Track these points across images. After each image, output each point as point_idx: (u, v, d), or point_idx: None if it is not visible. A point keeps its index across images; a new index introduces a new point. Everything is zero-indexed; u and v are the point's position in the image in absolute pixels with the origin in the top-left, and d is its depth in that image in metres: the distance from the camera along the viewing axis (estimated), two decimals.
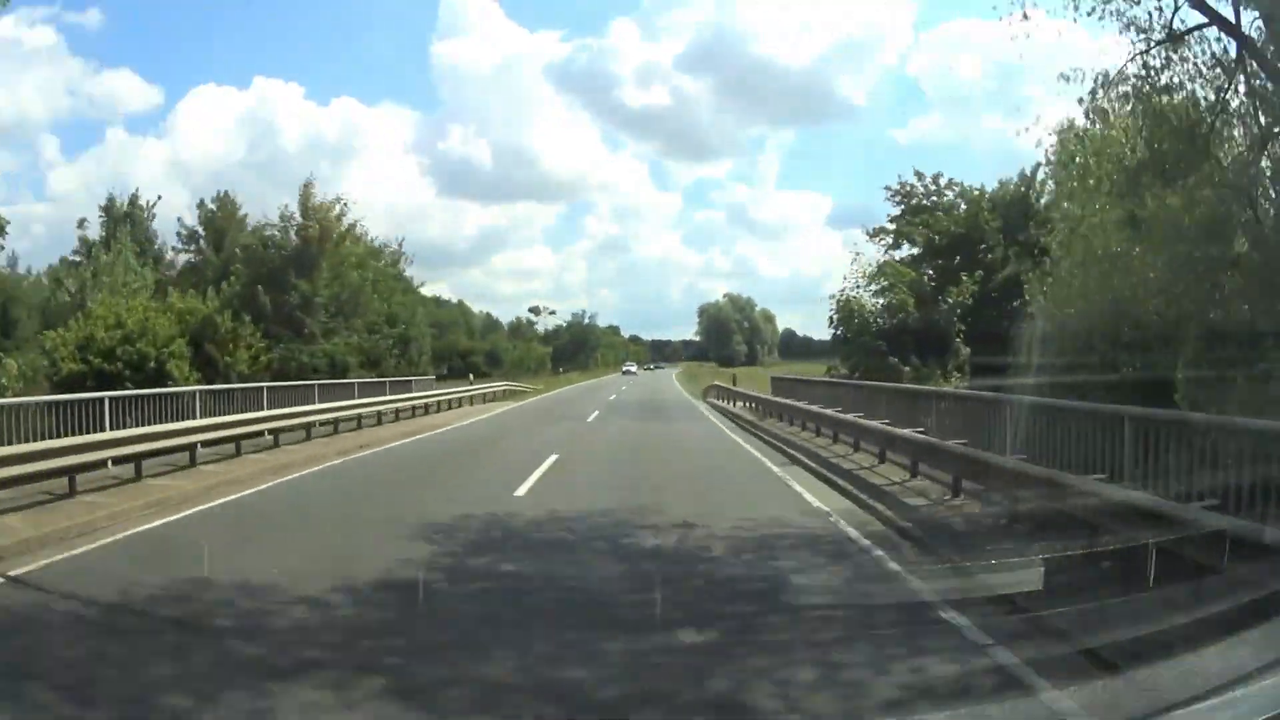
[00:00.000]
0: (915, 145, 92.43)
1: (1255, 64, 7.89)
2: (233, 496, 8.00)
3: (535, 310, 73.34)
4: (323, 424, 13.67)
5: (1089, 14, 7.75)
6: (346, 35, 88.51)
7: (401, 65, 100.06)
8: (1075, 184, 10.72)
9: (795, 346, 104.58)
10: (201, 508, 7.22)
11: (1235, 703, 2.24)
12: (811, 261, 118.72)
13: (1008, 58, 78.76)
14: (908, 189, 27.38)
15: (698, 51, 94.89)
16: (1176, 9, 7.82)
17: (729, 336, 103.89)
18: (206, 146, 73.50)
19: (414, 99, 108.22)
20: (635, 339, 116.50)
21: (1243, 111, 8.10)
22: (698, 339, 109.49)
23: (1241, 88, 8.06)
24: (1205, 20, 7.92)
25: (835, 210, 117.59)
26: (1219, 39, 7.95)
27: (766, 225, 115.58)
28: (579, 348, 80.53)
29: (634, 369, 71.15)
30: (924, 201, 27.16)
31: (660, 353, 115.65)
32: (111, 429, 9.16)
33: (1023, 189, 25.96)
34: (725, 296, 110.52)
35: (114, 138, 79.39)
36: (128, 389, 11.36)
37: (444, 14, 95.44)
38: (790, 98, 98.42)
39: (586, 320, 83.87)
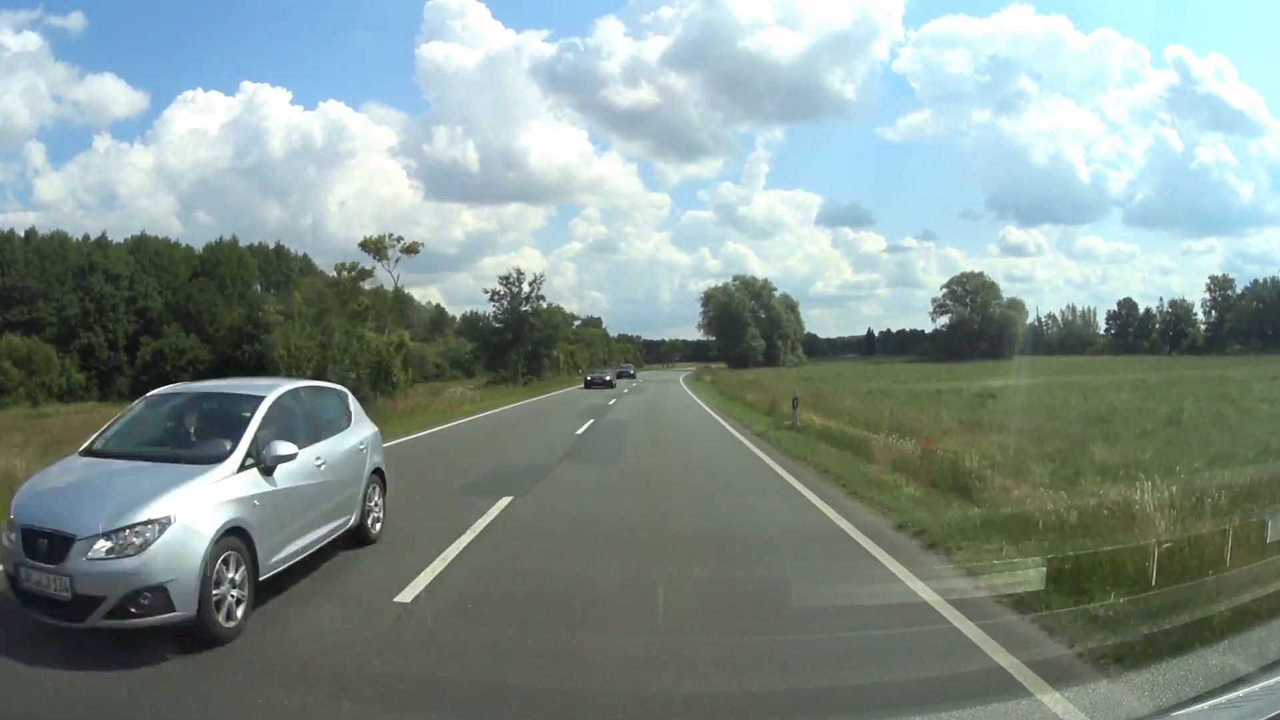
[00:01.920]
0: (905, 142, 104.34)
1: None
2: None
3: (376, 248, 30.29)
4: None
5: None
6: (333, 38, 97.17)
7: (387, 67, 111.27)
8: None
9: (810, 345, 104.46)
10: None
11: (1236, 703, 2.34)
12: (802, 260, 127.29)
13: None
14: None
15: (685, 48, 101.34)
16: None
17: (741, 330, 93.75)
18: (194, 152, 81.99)
19: (401, 101, 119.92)
20: (625, 338, 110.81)
21: None
22: (702, 335, 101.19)
23: None
24: None
25: (824, 208, 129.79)
26: None
27: (755, 224, 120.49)
28: (510, 341, 51.85)
29: None
30: None
31: (654, 353, 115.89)
32: None
33: None
34: (736, 279, 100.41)
35: (100, 144, 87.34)
36: None
37: (429, 15, 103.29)
38: (779, 93, 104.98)
39: (527, 291, 51.98)
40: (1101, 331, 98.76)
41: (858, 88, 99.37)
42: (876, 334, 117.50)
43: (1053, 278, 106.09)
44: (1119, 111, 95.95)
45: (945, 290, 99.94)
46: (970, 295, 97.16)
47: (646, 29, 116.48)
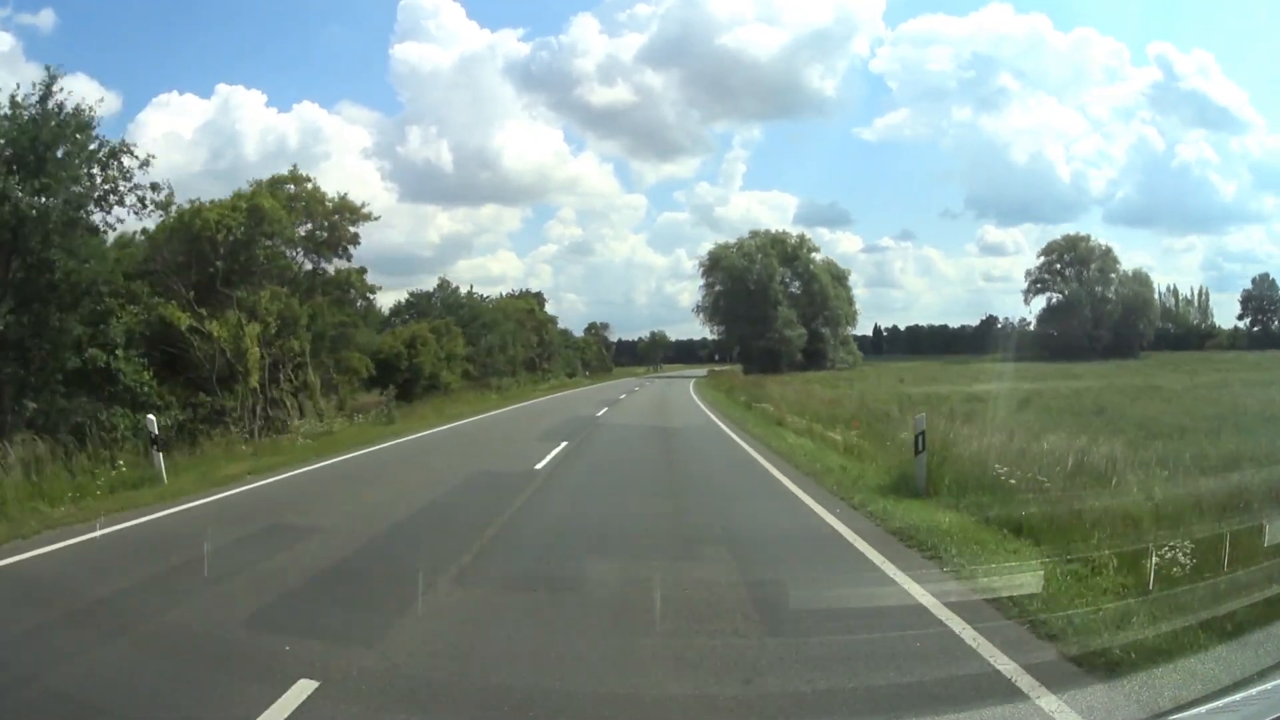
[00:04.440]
0: (883, 141, 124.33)
1: None
2: None
3: None
4: None
5: None
6: (307, 38, 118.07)
7: (361, 68, 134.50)
8: None
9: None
10: None
11: (1234, 707, 2.80)
12: None
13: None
14: None
15: (662, 44, 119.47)
16: None
17: (768, 313, 76.92)
18: (168, 155, 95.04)
19: (375, 101, 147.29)
20: (595, 326, 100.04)
21: None
22: (702, 324, 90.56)
23: None
24: None
25: (801, 209, 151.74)
26: None
27: (732, 224, 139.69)
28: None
29: None
30: None
31: (630, 353, 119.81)
32: None
33: None
34: (754, 235, 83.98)
35: None
36: None
37: (403, 15, 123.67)
38: (757, 90, 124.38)
39: None
40: (1223, 321, 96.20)
41: (837, 85, 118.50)
42: (884, 330, 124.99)
43: None
44: (1101, 109, 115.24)
45: (1044, 260, 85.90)
46: (1078, 267, 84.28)
47: (623, 26, 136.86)
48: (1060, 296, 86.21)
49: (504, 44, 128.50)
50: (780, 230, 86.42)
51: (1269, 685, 3.23)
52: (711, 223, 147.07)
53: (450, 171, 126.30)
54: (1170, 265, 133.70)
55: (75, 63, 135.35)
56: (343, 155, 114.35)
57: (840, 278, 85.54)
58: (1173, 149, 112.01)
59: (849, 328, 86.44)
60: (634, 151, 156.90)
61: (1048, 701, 4.16)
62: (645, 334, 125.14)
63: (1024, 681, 4.49)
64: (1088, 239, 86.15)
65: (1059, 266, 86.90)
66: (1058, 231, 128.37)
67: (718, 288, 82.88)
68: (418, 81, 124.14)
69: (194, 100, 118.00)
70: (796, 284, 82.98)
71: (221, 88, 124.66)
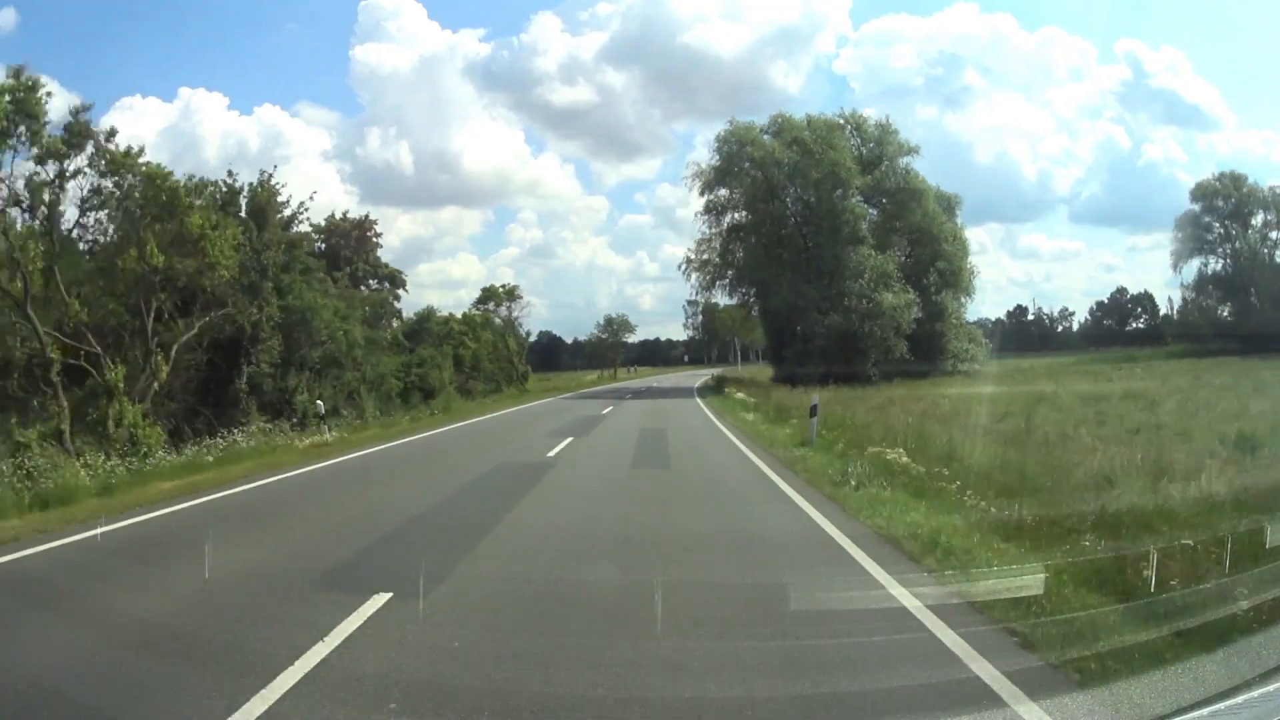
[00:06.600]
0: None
1: None
2: None
3: None
4: None
5: None
6: (268, 39, 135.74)
7: (322, 69, 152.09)
8: None
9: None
10: None
11: (1236, 710, 3.15)
12: None
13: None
14: None
15: (623, 43, 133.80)
16: None
17: (840, 254, 50.60)
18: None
19: (334, 103, 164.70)
20: (495, 294, 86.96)
21: None
22: (693, 289, 64.82)
23: None
24: None
25: None
26: None
27: (694, 227, 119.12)
28: None
29: None
30: None
31: (576, 354, 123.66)
32: None
33: None
34: (782, 120, 56.18)
35: None
36: None
37: (364, 16, 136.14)
38: (719, 89, 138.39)
39: None
40: None
41: (801, 83, 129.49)
42: None
43: (996, 277, 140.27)
44: (1068, 108, 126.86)
45: (1188, 210, 68.87)
46: (1238, 221, 67.77)
47: (584, 25, 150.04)
48: (1216, 263, 69.30)
49: (464, 44, 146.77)
50: (849, 111, 55.17)
51: (1271, 687, 3.66)
52: (673, 224, 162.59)
53: (410, 173, 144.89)
54: (1135, 263, 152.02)
55: (37, 64, 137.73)
56: (302, 159, 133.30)
57: (950, 207, 54.26)
58: (1139, 147, 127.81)
59: (966, 299, 53.89)
60: (595, 152, 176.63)
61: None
62: (600, 320, 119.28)
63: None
64: (1245, 179, 67.80)
65: (1209, 220, 69.08)
66: (1021, 231, 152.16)
67: (731, 217, 51.16)
68: (378, 83, 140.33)
69: (157, 104, 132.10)
70: (878, 204, 52.08)
71: (184, 91, 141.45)
